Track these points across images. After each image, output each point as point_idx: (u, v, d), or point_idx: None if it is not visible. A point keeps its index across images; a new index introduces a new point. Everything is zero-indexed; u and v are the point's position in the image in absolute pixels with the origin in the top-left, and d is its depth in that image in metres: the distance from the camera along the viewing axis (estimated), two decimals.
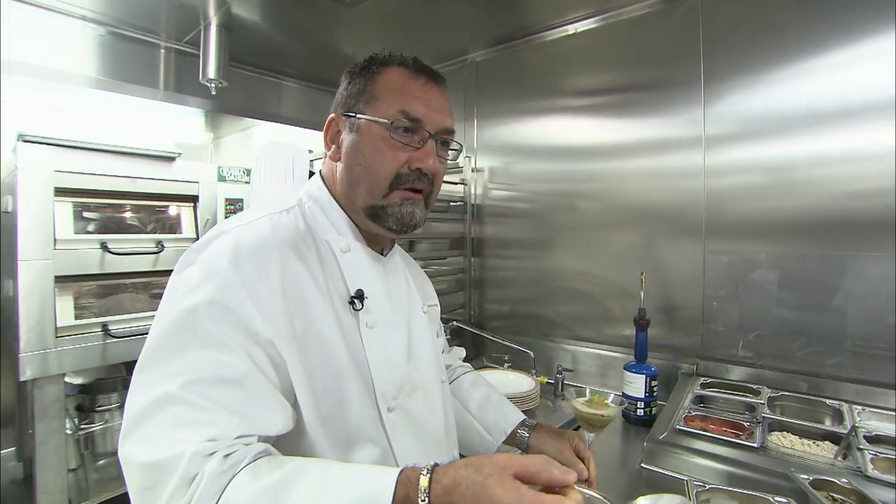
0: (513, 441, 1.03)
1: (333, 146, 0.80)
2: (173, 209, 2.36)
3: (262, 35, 1.94)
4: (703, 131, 1.59)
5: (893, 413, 1.25)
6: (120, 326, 1.50)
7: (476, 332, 2.13)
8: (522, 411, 1.11)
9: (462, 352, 1.22)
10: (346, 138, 0.78)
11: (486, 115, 2.20)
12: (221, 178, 2.54)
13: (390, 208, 0.77)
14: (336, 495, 0.50)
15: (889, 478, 0.99)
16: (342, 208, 0.81)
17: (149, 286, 1.71)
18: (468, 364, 1.21)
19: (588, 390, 1.03)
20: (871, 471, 1.01)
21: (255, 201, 1.53)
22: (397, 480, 0.51)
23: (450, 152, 0.84)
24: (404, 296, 0.88)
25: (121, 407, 1.66)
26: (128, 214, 2.07)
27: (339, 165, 0.79)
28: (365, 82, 0.78)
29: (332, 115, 0.81)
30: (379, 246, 0.87)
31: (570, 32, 1.92)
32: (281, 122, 2.56)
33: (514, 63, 2.10)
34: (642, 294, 1.55)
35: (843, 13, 1.35)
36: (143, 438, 0.54)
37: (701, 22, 1.59)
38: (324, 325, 0.70)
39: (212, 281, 0.63)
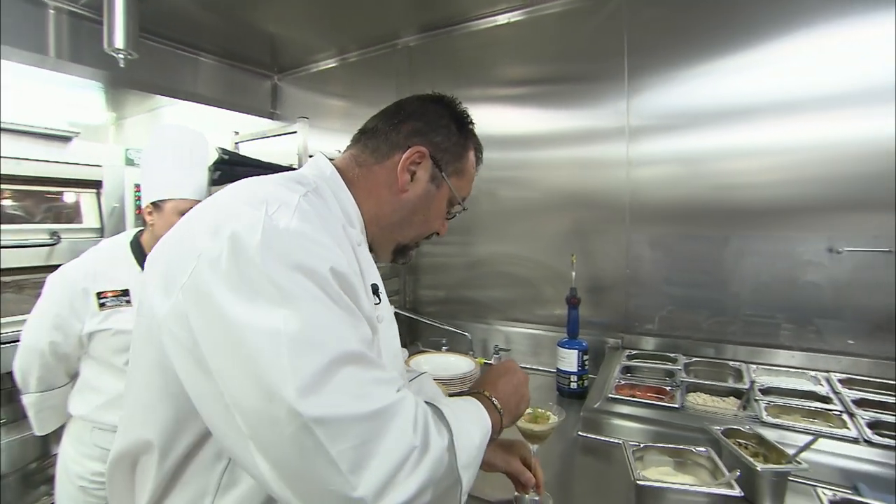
0: None
1: (407, 177, 0.78)
2: (70, 196, 2.09)
3: (178, 3, 1.77)
4: (626, 123, 1.72)
5: (780, 368, 1.49)
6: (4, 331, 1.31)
7: (413, 317, 2.15)
8: (464, 392, 1.14)
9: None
10: (424, 183, 0.80)
11: None
12: (130, 162, 2.29)
13: (408, 251, 0.88)
14: (475, 414, 0.69)
15: (779, 421, 1.18)
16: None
17: (42, 285, 1.49)
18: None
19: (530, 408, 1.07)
20: (765, 417, 1.19)
21: (148, 190, 1.41)
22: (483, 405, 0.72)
23: None
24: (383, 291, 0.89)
25: None
26: (7, 202, 1.80)
27: (402, 195, 0.78)
28: (460, 149, 0.83)
29: (421, 149, 0.78)
30: None
31: (501, 23, 1.98)
32: (197, 102, 2.35)
33: (447, 50, 2.12)
34: (573, 274, 1.66)
35: (746, 20, 1.52)
36: (344, 393, 0.50)
37: (625, 20, 1.72)
38: (371, 312, 0.68)
39: (320, 250, 0.58)
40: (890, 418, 1.16)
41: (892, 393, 1.30)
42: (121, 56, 1.61)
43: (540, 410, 1.02)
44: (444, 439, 0.57)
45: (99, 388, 1.37)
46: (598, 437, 1.28)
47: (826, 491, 0.87)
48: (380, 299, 0.77)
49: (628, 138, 1.72)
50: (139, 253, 1.44)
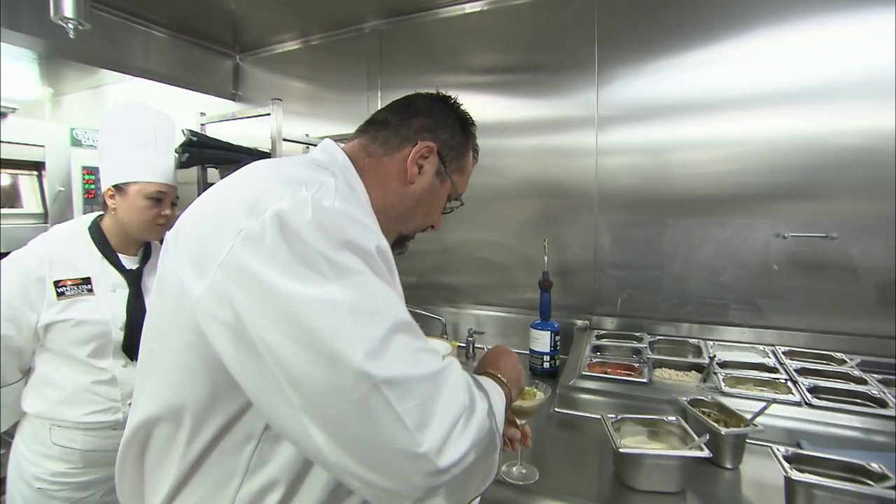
0: None
1: (415, 170, 0.82)
2: (5, 178, 1.93)
3: None
4: (596, 113, 1.79)
5: (733, 343, 1.63)
6: None
7: None
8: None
9: None
10: (430, 177, 0.84)
11: (390, 86, 2.18)
12: (76, 143, 2.12)
13: (406, 241, 0.92)
14: (495, 387, 0.72)
15: (735, 390, 1.30)
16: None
17: None
18: None
19: None
20: (724, 388, 1.31)
21: (109, 172, 1.32)
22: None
23: None
24: None
25: None
26: None
27: (409, 187, 0.82)
28: (462, 147, 0.89)
29: (431, 144, 0.82)
30: None
31: (473, 10, 1.99)
32: (150, 79, 2.21)
33: (418, 36, 2.11)
34: (546, 258, 1.72)
35: (711, 17, 1.62)
36: (403, 359, 0.53)
37: (596, 12, 1.78)
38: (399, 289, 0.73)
39: (365, 230, 0.61)
40: (826, 384, 1.31)
41: (826, 362, 1.47)
42: (70, 26, 1.48)
43: (527, 388, 1.07)
44: (485, 403, 0.60)
45: (57, 383, 1.28)
46: (573, 413, 1.36)
47: (779, 448, 0.97)
48: None
49: (597, 128, 1.80)
50: (100, 239, 1.35)
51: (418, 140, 0.81)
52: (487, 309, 2.04)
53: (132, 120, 1.35)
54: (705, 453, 0.99)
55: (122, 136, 1.33)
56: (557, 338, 1.65)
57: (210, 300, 0.55)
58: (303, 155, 0.79)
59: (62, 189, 1.97)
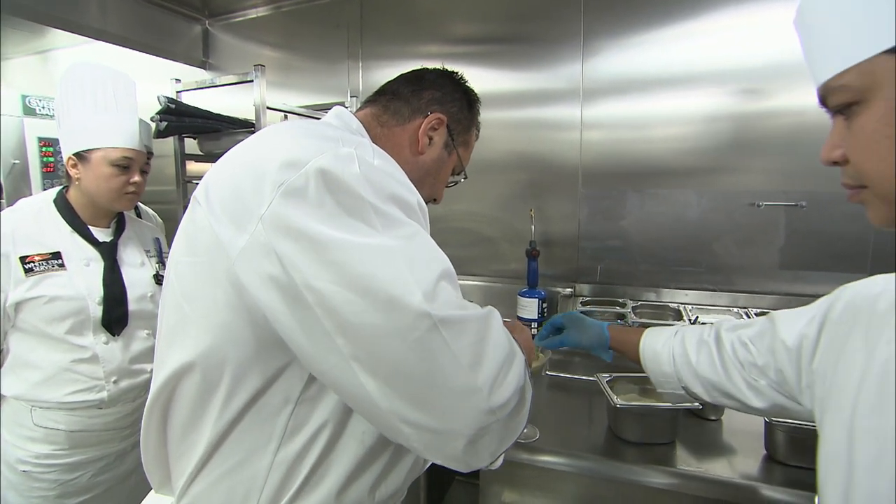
0: None
1: (426, 140, 0.84)
2: None
3: None
4: (581, 86, 1.82)
5: (710, 307, 1.73)
6: None
7: None
8: None
9: None
10: (439, 149, 0.87)
11: (372, 56, 2.12)
12: (29, 112, 1.96)
13: None
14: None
15: None
16: None
17: None
18: None
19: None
20: None
21: (69, 140, 1.24)
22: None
23: None
24: None
25: None
26: None
27: (419, 157, 0.84)
28: (468, 122, 0.91)
29: (441, 116, 0.84)
30: None
31: None
32: (106, 41, 2.05)
33: (402, 4, 2.05)
34: (533, 228, 1.76)
35: None
36: (452, 303, 0.55)
37: None
38: None
39: (407, 185, 0.62)
40: None
41: None
42: None
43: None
44: (522, 354, 0.62)
45: (35, 363, 1.23)
46: (564, 375, 1.41)
47: None
48: None
49: (582, 101, 1.82)
50: (67, 211, 1.28)
51: (429, 112, 0.83)
52: (474, 279, 2.07)
53: (88, 81, 1.26)
54: (695, 405, 1.06)
55: (80, 100, 1.25)
56: (545, 305, 1.70)
57: (252, 254, 0.54)
58: (315, 120, 0.78)
59: (16, 162, 1.85)
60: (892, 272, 0.58)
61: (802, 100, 1.57)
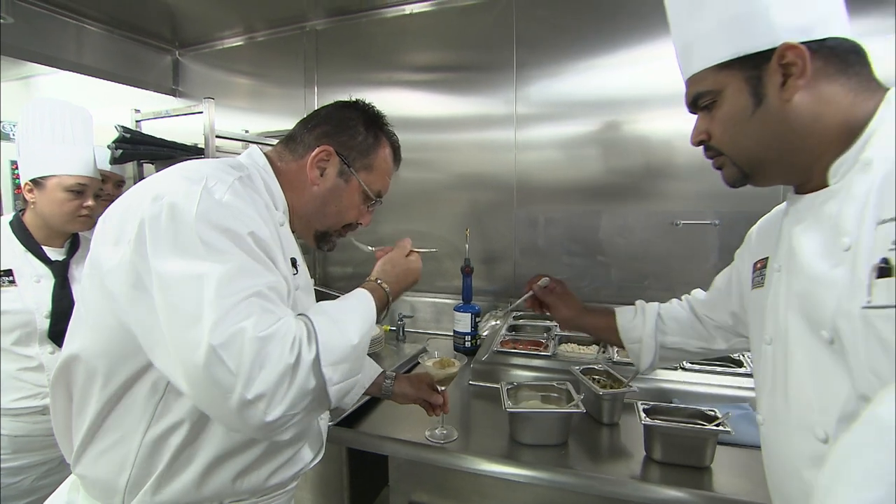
0: (378, 390, 1.20)
1: (316, 172, 0.90)
2: None
3: None
4: (514, 111, 1.94)
5: None
6: None
7: (324, 291, 2.24)
8: (369, 354, 1.28)
9: None
10: (333, 178, 0.92)
11: (326, 83, 2.26)
12: (4, 137, 2.09)
13: (331, 237, 0.99)
14: (355, 308, 0.81)
15: (626, 360, 1.43)
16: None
17: None
18: None
19: (436, 353, 1.24)
20: (615, 357, 1.47)
21: (27, 167, 1.35)
22: (368, 290, 0.87)
23: None
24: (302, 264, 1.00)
25: None
26: None
27: (313, 188, 0.91)
28: (368, 147, 0.94)
29: (327, 147, 0.89)
30: None
31: (408, 12, 2.10)
32: (82, 73, 2.20)
33: (355, 35, 2.19)
34: (467, 246, 1.86)
35: (616, 26, 1.79)
36: (245, 320, 0.63)
37: (515, 17, 1.93)
38: (289, 276, 0.82)
39: (244, 218, 0.71)
40: None
41: None
42: None
43: (446, 359, 1.20)
44: (311, 353, 0.68)
45: None
46: (485, 384, 1.49)
47: (647, 403, 1.13)
48: (297, 270, 0.89)
49: (516, 125, 1.94)
50: (21, 233, 1.38)
51: (318, 145, 0.90)
52: (420, 295, 2.16)
53: (47, 114, 1.36)
54: (581, 410, 1.14)
55: (38, 132, 1.35)
56: (478, 319, 1.79)
57: (121, 270, 0.68)
58: (228, 158, 0.90)
59: None
60: None
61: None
